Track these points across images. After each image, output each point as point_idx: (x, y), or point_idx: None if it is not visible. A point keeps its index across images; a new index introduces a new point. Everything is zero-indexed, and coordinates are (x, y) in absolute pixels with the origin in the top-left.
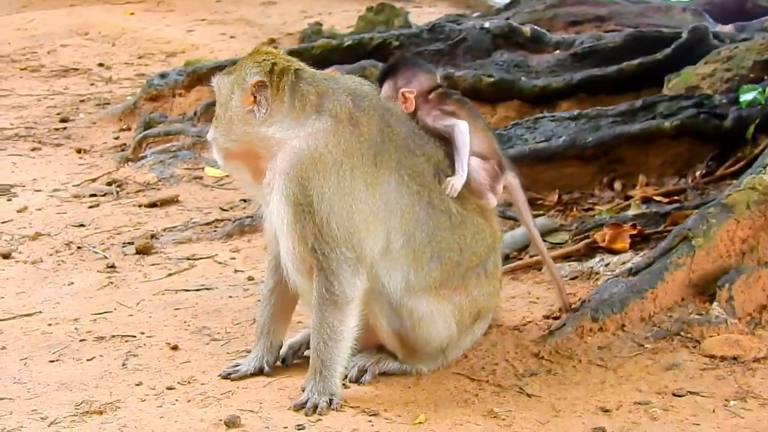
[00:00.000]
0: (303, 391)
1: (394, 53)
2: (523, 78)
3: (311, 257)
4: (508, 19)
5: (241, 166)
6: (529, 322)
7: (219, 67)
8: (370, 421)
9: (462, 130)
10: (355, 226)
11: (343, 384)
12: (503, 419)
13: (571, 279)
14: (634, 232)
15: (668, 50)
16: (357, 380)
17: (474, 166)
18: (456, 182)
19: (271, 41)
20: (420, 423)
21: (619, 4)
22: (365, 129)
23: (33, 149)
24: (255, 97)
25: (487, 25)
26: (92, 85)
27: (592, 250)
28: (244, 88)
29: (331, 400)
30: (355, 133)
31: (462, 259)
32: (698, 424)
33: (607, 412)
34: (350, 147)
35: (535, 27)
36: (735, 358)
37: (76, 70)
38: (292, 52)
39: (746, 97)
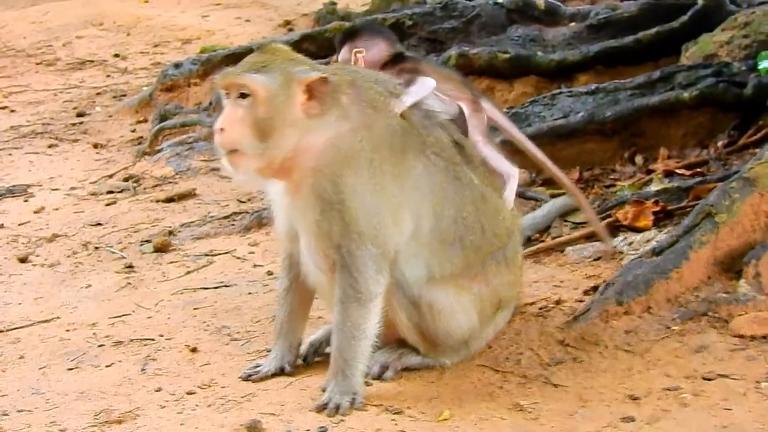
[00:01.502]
0: (324, 391)
1: (408, 32)
2: (539, 53)
3: (336, 254)
4: None
5: (265, 170)
6: (554, 306)
7: (233, 55)
8: (393, 419)
9: (424, 81)
10: (382, 222)
11: (365, 381)
12: (529, 412)
13: (594, 260)
14: (657, 208)
15: (685, 18)
16: (379, 377)
17: (468, 114)
18: (398, 105)
19: (287, 23)
20: (445, 420)
21: None
22: (393, 119)
23: (50, 146)
24: (310, 95)
25: (500, 0)
26: (108, 76)
27: (614, 229)
28: (300, 87)
29: (353, 400)
30: (389, 124)
31: (484, 242)
32: (730, 409)
33: (635, 399)
34: (381, 140)
35: (550, 0)
36: (765, 337)
37: (92, 62)
38: (305, 37)
39: (765, 64)
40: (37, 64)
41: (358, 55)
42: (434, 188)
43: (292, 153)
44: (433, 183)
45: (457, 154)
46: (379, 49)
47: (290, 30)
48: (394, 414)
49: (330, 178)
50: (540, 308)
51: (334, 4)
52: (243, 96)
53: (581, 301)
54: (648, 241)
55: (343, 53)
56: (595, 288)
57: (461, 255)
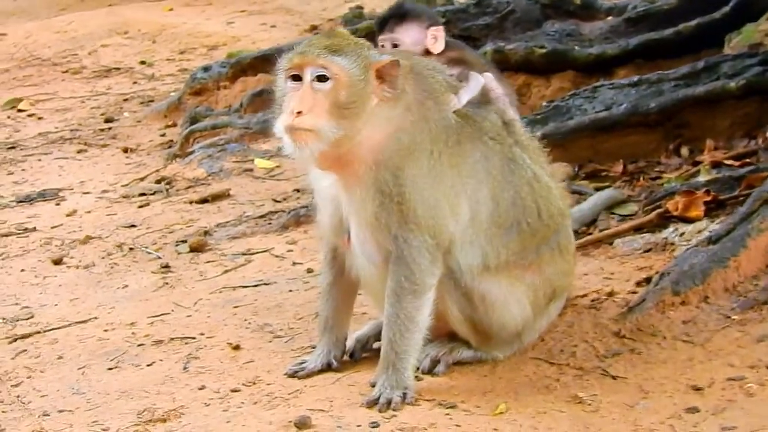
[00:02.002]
0: (374, 386)
1: None
2: (576, 47)
3: (392, 245)
4: None
5: (326, 156)
6: (606, 299)
7: (262, 57)
8: (447, 414)
9: (477, 77)
10: (439, 212)
11: (416, 376)
12: (589, 404)
13: (645, 251)
14: (708, 198)
15: (726, 8)
16: (430, 371)
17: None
18: (457, 101)
19: (313, 28)
20: (501, 413)
21: None
22: (450, 111)
23: (79, 151)
24: (382, 78)
25: None
26: (135, 83)
27: (664, 220)
28: (373, 70)
29: (405, 394)
30: (447, 117)
31: (540, 225)
32: None
33: (699, 390)
34: (440, 131)
35: None
36: None
37: (118, 69)
38: None
39: None
40: (63, 72)
41: (438, 34)
42: (492, 172)
43: (356, 143)
44: (492, 167)
45: (507, 135)
46: (428, 33)
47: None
48: (447, 408)
49: (392, 170)
50: (592, 300)
51: (361, 8)
52: (320, 79)
53: (634, 292)
54: (700, 231)
55: (409, 33)
56: (647, 279)
57: (517, 240)
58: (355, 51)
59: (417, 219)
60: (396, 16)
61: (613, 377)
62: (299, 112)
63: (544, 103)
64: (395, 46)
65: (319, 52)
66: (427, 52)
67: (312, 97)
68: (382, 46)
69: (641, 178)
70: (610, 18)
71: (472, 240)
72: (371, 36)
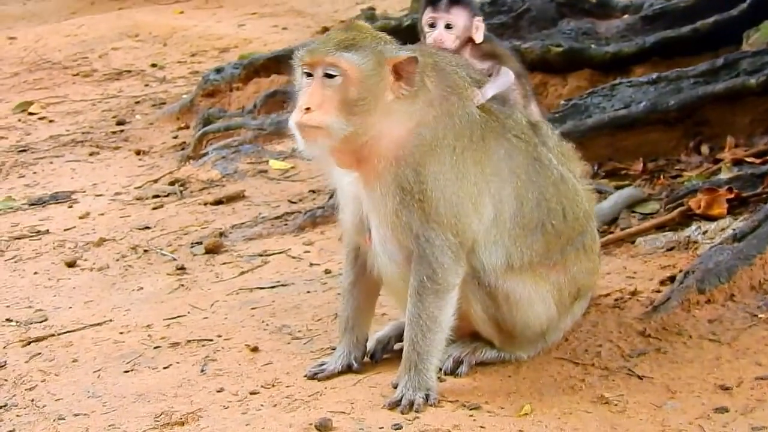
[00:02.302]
0: (396, 387)
1: None
2: (593, 45)
3: (414, 244)
4: None
5: (335, 151)
6: (630, 298)
7: (275, 58)
8: (471, 415)
9: (507, 73)
10: (462, 210)
11: (438, 377)
12: (615, 405)
13: (667, 250)
14: (731, 195)
15: (744, 5)
16: (453, 372)
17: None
18: (481, 95)
19: (325, 29)
20: (526, 414)
21: None
22: (473, 107)
23: (91, 154)
24: (399, 75)
25: None
26: (146, 86)
27: (687, 218)
28: (388, 66)
29: (427, 396)
30: (470, 113)
31: (565, 226)
32: None
33: (727, 390)
34: (463, 127)
35: None
36: None
37: (129, 72)
38: None
39: None
40: (74, 75)
41: (480, 25)
42: (517, 171)
43: (374, 139)
44: (516, 166)
45: (533, 135)
46: (473, 23)
47: None
48: (471, 409)
49: (413, 167)
50: (616, 299)
51: (373, 9)
52: (330, 75)
53: (658, 291)
54: (723, 229)
55: (457, 17)
56: (671, 278)
57: (542, 241)
58: (369, 46)
59: (439, 217)
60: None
61: (640, 377)
62: (308, 109)
63: (563, 102)
64: (448, 27)
65: (329, 48)
66: (469, 41)
67: (321, 93)
68: (432, 25)
69: (661, 177)
70: (626, 16)
71: (496, 240)
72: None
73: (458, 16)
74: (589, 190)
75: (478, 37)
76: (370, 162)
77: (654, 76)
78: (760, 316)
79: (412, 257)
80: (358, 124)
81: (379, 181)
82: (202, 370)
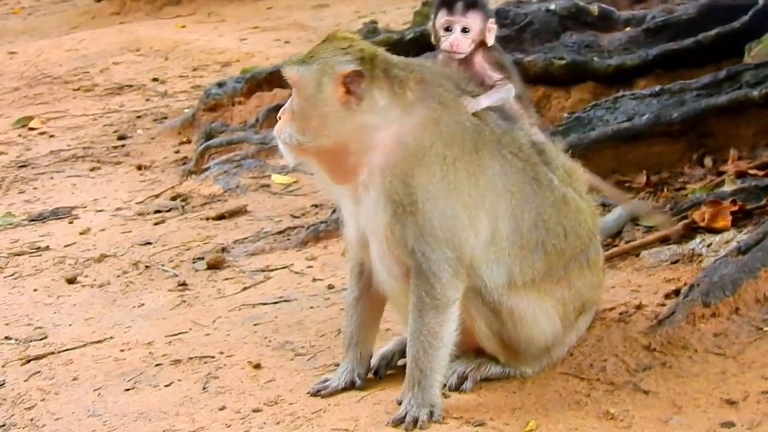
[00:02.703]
0: (400, 404)
1: None
2: (595, 58)
3: (410, 259)
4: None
5: (320, 163)
6: (635, 311)
7: (278, 72)
8: (476, 431)
9: (510, 90)
10: (458, 223)
11: (443, 393)
12: (621, 420)
13: (672, 263)
14: (735, 208)
15: (746, 18)
16: (457, 388)
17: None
18: (474, 104)
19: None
20: (531, 430)
21: None
22: (466, 116)
23: (92, 169)
24: (348, 88)
25: (552, 6)
26: (148, 100)
27: (691, 231)
28: (335, 79)
29: (432, 412)
30: (459, 121)
31: (566, 245)
32: None
33: (733, 404)
34: (453, 136)
35: (603, 5)
36: None
37: (130, 86)
38: None
39: None
40: (75, 90)
41: (493, 26)
42: (512, 189)
43: (356, 151)
44: (511, 184)
45: (535, 155)
46: (487, 25)
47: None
48: (476, 426)
49: (400, 177)
50: (620, 313)
51: (375, 23)
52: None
53: (663, 304)
54: (728, 242)
55: (472, 20)
56: (676, 291)
57: (544, 260)
58: (322, 58)
59: (434, 231)
60: (468, 2)
61: (645, 392)
62: (279, 117)
63: (566, 115)
64: (465, 30)
65: (288, 62)
66: (482, 44)
67: (288, 104)
68: (447, 29)
69: (665, 189)
70: (628, 29)
71: (496, 258)
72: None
73: (474, 20)
74: (595, 207)
75: (491, 40)
76: (357, 174)
77: (657, 88)
78: (765, 329)
79: (411, 272)
80: (311, 134)
81: (367, 193)
82: (204, 388)
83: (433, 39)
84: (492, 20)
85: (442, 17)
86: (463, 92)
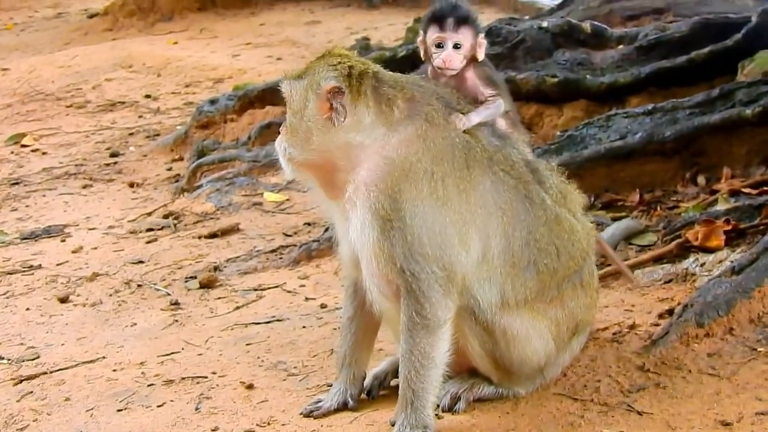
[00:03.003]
0: (393, 425)
1: None
2: (588, 76)
3: (399, 278)
4: (563, 17)
5: (314, 179)
6: (628, 331)
7: (270, 89)
8: None
9: (500, 106)
10: (447, 240)
11: (436, 414)
12: None
13: (665, 282)
14: (729, 227)
15: (739, 36)
16: (450, 409)
17: (503, 125)
18: (465, 121)
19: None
20: None
21: None
22: (455, 133)
23: (84, 186)
24: (331, 103)
25: (545, 24)
26: (140, 117)
27: (684, 250)
28: (319, 94)
29: None
30: (447, 138)
31: (559, 265)
32: None
33: (727, 425)
34: (441, 152)
35: (595, 23)
36: None
37: (123, 103)
38: None
39: None
40: (67, 107)
41: (483, 42)
42: (503, 207)
43: (343, 166)
44: (502, 201)
45: (528, 173)
46: (478, 41)
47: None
48: None
49: (387, 193)
50: (614, 333)
51: (367, 39)
52: None
53: (657, 324)
54: (721, 261)
55: (462, 36)
56: (669, 311)
57: (536, 279)
58: (311, 74)
59: (423, 248)
60: (459, 17)
61: (639, 413)
62: (280, 131)
63: (558, 133)
64: (456, 47)
65: (286, 75)
66: (473, 59)
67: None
68: (439, 45)
69: (658, 208)
70: (621, 46)
71: (488, 277)
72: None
73: (466, 36)
74: (591, 228)
75: (481, 55)
76: (345, 190)
77: (650, 106)
78: (759, 349)
79: (401, 292)
80: (302, 149)
81: (355, 209)
82: (196, 408)
83: (422, 55)
84: (482, 36)
85: (434, 33)
86: (453, 110)
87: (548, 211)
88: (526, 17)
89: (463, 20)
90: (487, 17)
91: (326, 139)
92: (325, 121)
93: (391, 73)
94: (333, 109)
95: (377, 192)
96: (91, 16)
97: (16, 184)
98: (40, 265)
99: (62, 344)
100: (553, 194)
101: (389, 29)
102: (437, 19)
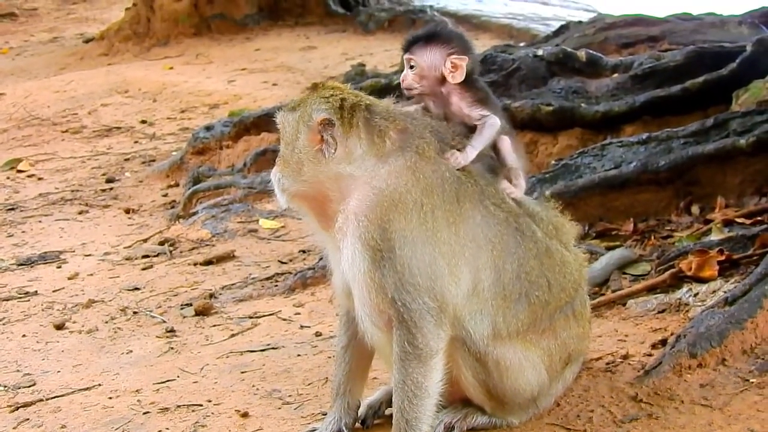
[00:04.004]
0: None
1: None
2: (583, 104)
3: (391, 308)
4: (558, 45)
5: (307, 209)
6: (621, 361)
7: (265, 116)
8: None
9: (494, 125)
10: (438, 271)
11: None
12: None
13: (659, 312)
14: (722, 257)
15: (733, 65)
16: None
17: (508, 147)
18: (462, 158)
19: (315, 86)
20: None
21: (671, 22)
22: (446, 166)
23: (80, 212)
24: (322, 135)
25: (540, 52)
26: (136, 142)
27: (678, 280)
28: (311, 126)
29: None
30: (437, 170)
31: (550, 297)
32: None
33: None
34: (431, 184)
35: (590, 51)
36: None
37: (119, 128)
38: None
39: None
40: (63, 132)
41: (459, 63)
42: (493, 240)
43: (334, 198)
44: (492, 234)
45: (518, 206)
46: (472, 56)
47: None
48: None
49: (376, 223)
50: (607, 363)
51: (363, 65)
52: None
53: (650, 354)
54: (714, 291)
55: (428, 57)
56: (663, 341)
57: (528, 311)
58: (304, 106)
59: (413, 278)
60: (423, 38)
61: None
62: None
63: (553, 162)
64: (412, 66)
65: (282, 106)
66: (444, 80)
67: None
68: (410, 67)
69: (652, 237)
70: (616, 75)
71: (480, 309)
72: (375, 94)
73: (422, 56)
74: (583, 259)
75: (454, 78)
76: (335, 220)
77: (644, 136)
78: (751, 380)
79: (393, 322)
80: (293, 180)
81: (345, 240)
82: None
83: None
84: (458, 57)
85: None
86: (446, 145)
87: (539, 244)
88: (522, 43)
89: (426, 39)
90: (482, 43)
91: (317, 171)
92: (316, 153)
93: (385, 104)
94: (324, 141)
95: (367, 222)
96: (87, 41)
97: (12, 209)
98: (36, 291)
99: (58, 371)
100: (544, 226)
101: (385, 55)
102: (405, 41)
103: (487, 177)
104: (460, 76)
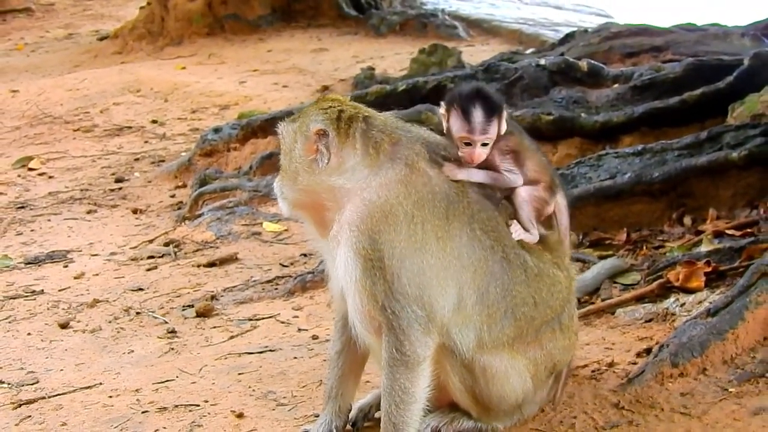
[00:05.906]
0: None
1: None
2: (582, 114)
3: (380, 315)
4: (563, 54)
5: (307, 217)
6: (606, 369)
7: (273, 119)
8: None
9: (511, 183)
10: (426, 282)
11: None
12: None
13: (646, 321)
14: (709, 269)
15: (731, 78)
16: None
17: (524, 196)
18: (459, 172)
19: (324, 88)
20: None
21: (675, 33)
22: (438, 180)
23: (89, 212)
24: (317, 146)
25: (542, 62)
26: (146, 142)
27: (666, 290)
28: (307, 137)
29: None
30: (428, 184)
31: (537, 313)
32: None
33: None
34: (422, 198)
35: (592, 61)
36: None
37: (130, 128)
38: None
39: None
40: (75, 130)
41: (494, 133)
42: (476, 264)
43: (329, 206)
44: (476, 258)
45: (509, 236)
46: (503, 118)
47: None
48: None
49: (367, 233)
50: (593, 371)
51: (372, 69)
52: None
53: (634, 363)
54: (701, 302)
55: (488, 135)
56: (648, 350)
57: (514, 326)
58: (303, 117)
59: (402, 287)
60: (488, 116)
61: None
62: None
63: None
64: (485, 144)
65: (283, 119)
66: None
67: None
68: (467, 143)
69: (644, 247)
70: (616, 85)
71: (465, 323)
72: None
73: (494, 130)
74: (573, 274)
75: (503, 129)
76: (330, 229)
77: (640, 147)
78: (730, 390)
79: (382, 328)
80: (290, 189)
81: (339, 248)
82: None
83: (444, 129)
84: (505, 113)
85: (461, 131)
86: (439, 158)
87: (529, 271)
88: (529, 50)
89: (490, 118)
90: (491, 48)
91: (311, 180)
92: (311, 163)
93: (385, 117)
94: (318, 151)
95: (358, 232)
96: (102, 39)
97: (22, 207)
98: (43, 290)
99: (61, 370)
100: (535, 251)
101: (395, 58)
102: (465, 116)
103: (485, 204)
104: (506, 127)
